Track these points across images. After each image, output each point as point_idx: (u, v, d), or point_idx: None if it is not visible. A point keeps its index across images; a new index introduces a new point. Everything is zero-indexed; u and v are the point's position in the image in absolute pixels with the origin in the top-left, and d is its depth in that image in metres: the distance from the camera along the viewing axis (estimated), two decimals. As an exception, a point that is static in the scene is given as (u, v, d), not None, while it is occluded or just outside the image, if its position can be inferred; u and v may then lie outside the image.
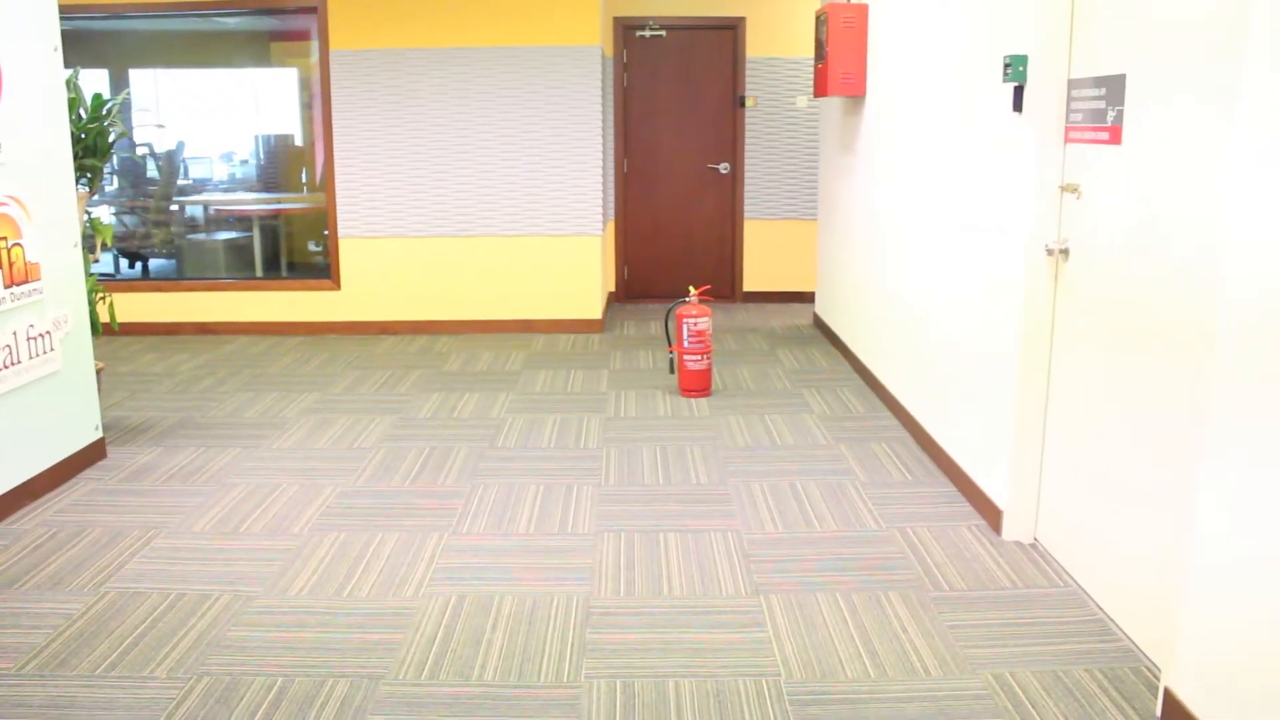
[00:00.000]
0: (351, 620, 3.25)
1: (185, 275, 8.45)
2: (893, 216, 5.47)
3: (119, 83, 10.67)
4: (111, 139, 4.93)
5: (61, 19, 8.02)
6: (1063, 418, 3.57)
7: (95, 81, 10.27)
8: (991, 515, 3.96)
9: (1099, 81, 3.27)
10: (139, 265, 8.77)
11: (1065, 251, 3.54)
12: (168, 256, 8.82)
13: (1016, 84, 3.65)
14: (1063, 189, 3.55)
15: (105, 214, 9.05)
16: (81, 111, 4.81)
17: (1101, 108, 3.26)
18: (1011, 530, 3.85)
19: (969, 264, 4.23)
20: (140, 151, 10.19)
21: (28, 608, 3.36)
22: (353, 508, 4.21)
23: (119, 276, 8.62)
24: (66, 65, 7.47)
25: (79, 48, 9.88)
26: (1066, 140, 3.53)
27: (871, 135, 5.96)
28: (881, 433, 5.16)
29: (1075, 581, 3.48)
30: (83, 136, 4.80)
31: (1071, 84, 3.49)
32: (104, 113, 4.86)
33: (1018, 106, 3.67)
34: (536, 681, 2.88)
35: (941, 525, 3.98)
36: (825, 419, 5.40)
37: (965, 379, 4.29)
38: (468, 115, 7.40)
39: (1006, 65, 3.63)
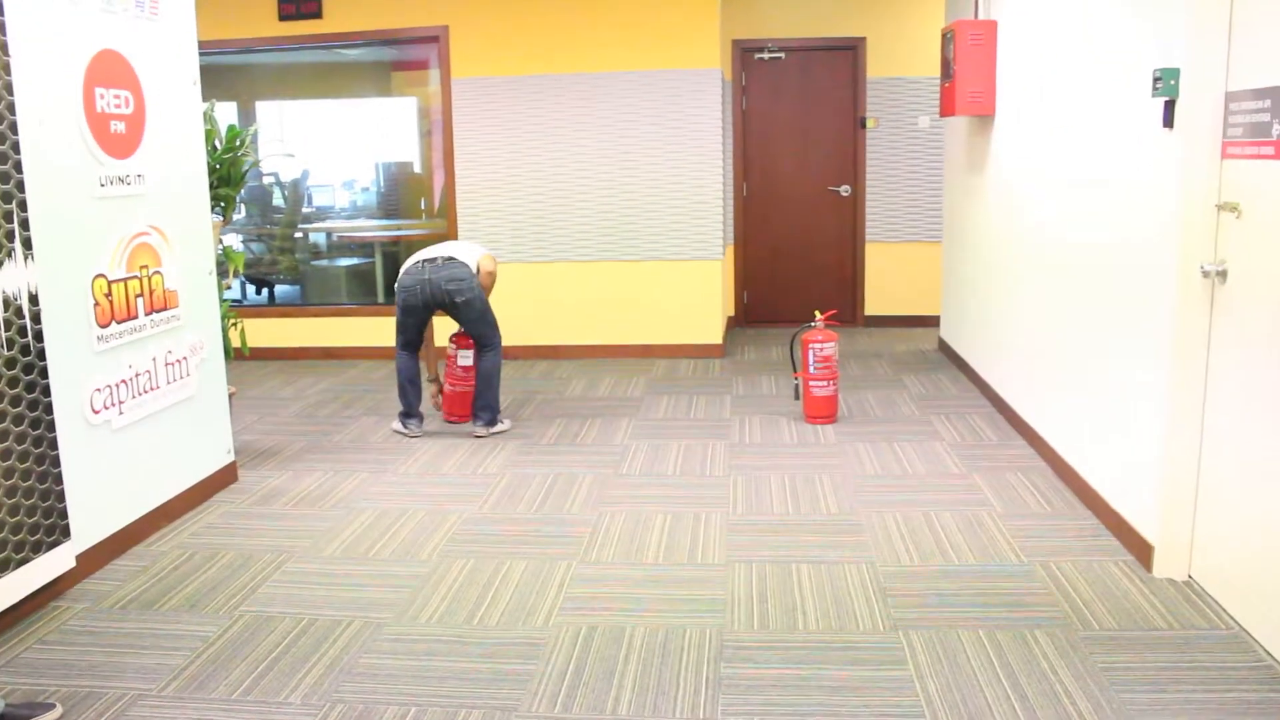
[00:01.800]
0: (482, 649, 3.22)
1: (309, 301, 8.65)
2: (1025, 238, 5.28)
3: (247, 114, 11.02)
4: (245, 169, 5.05)
5: (203, 53, 8.32)
6: (1221, 447, 3.37)
7: (225, 113, 10.61)
8: (1141, 550, 3.75)
9: (1262, 93, 3.09)
10: (265, 291, 9.02)
11: (1223, 273, 3.34)
12: (292, 283, 9.05)
13: (1167, 98, 3.47)
14: (1220, 208, 3.36)
15: (235, 242, 9.33)
16: (216, 143, 4.94)
17: (1266, 121, 3.07)
18: (1164, 566, 3.64)
19: (1112, 287, 4.04)
20: (267, 181, 10.49)
21: (167, 629, 3.42)
22: (480, 534, 4.20)
23: (246, 303, 8.87)
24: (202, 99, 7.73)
25: (208, 81, 10.22)
26: (1224, 156, 3.34)
27: (1001, 155, 5.78)
28: (1016, 461, 4.96)
29: (1237, 623, 3.26)
30: (217, 167, 4.93)
31: (1229, 97, 3.30)
32: (238, 144, 4.99)
33: (1168, 122, 3.49)
34: (672, 717, 2.80)
35: (1087, 560, 3.79)
36: (956, 447, 5.22)
37: (1109, 407, 4.09)
38: (588, 140, 7.43)
39: (1157, 79, 3.46)
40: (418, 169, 8.48)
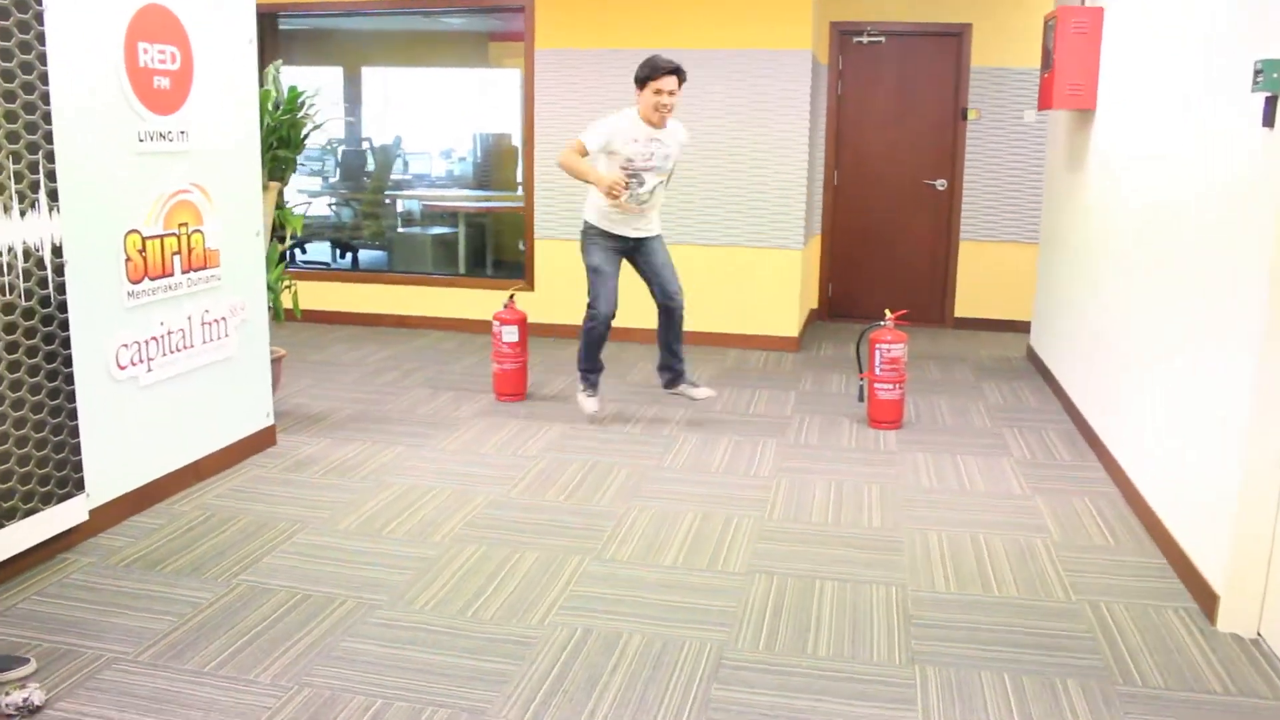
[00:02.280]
0: (468, 644, 3.07)
1: (393, 268, 8.63)
2: (1117, 245, 4.89)
3: (352, 79, 11.09)
4: (305, 132, 4.98)
5: (292, 16, 8.34)
6: (1300, 495, 3.01)
7: (330, 78, 10.69)
8: (1206, 599, 3.41)
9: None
10: (349, 256, 9.04)
11: (1318, 298, 2.98)
12: (378, 248, 9.05)
13: (1269, 93, 3.10)
14: (1320, 224, 2.99)
15: (322, 205, 9.37)
16: (275, 105, 4.88)
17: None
18: (1229, 620, 3.29)
19: (1197, 305, 3.67)
20: (348, 146, 10.53)
21: (163, 592, 3.36)
22: (499, 519, 4.06)
23: (333, 267, 8.91)
24: (294, 62, 7.72)
25: (308, 43, 10.30)
26: (1329, 167, 2.97)
27: (1099, 154, 5.38)
28: (1087, 486, 4.61)
29: (1303, 691, 2.92)
30: (276, 128, 4.86)
31: (1339, 100, 2.93)
32: (299, 105, 4.91)
33: (1269, 121, 3.12)
34: (646, 739, 2.61)
35: (1143, 604, 3.46)
36: (1024, 464, 4.89)
37: (1187, 434, 3.73)
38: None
39: (1257, 72, 3.09)
40: (515, 141, 8.36)
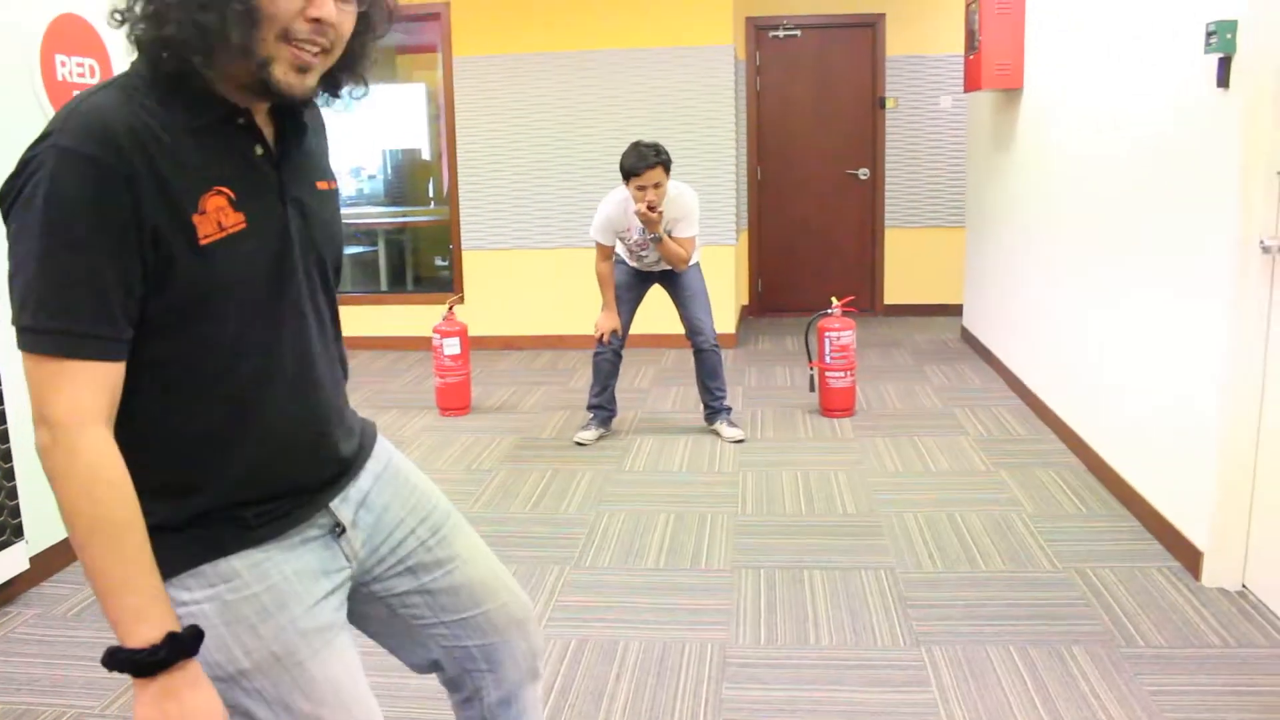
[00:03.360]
0: (460, 665, 2.92)
1: (312, 291, 8.37)
2: (1057, 216, 4.94)
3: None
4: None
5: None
6: (1284, 445, 3.04)
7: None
8: (1188, 557, 3.42)
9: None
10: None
11: (1284, 249, 3.01)
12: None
13: (1222, 54, 3.13)
14: (1281, 176, 3.02)
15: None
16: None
17: (1335, 77, 2.74)
18: (1215, 575, 3.31)
19: (1160, 266, 3.70)
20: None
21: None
22: (468, 535, 3.90)
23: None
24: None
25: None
26: (1286, 119, 3.00)
27: (1031, 130, 5.43)
28: (1047, 458, 4.62)
29: (1300, 638, 2.94)
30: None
31: (1292, 53, 2.96)
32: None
33: (1223, 81, 3.15)
34: (665, 746, 2.50)
35: (1128, 567, 3.46)
36: (982, 441, 4.89)
37: (1153, 398, 3.75)
38: (594, 121, 7.11)
39: (1210, 33, 3.12)
40: (426, 155, 8.19)
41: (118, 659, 1.26)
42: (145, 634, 1.25)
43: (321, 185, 1.51)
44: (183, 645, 1.28)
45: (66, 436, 1.25)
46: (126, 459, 1.29)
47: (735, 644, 3.01)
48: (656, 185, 4.59)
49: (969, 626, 3.07)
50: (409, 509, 1.64)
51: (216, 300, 1.34)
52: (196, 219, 1.30)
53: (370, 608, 1.62)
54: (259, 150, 1.39)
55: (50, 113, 3.56)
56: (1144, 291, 3.83)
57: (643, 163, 4.54)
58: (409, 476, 1.67)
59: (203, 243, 1.30)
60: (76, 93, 1.31)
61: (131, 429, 1.33)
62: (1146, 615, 3.11)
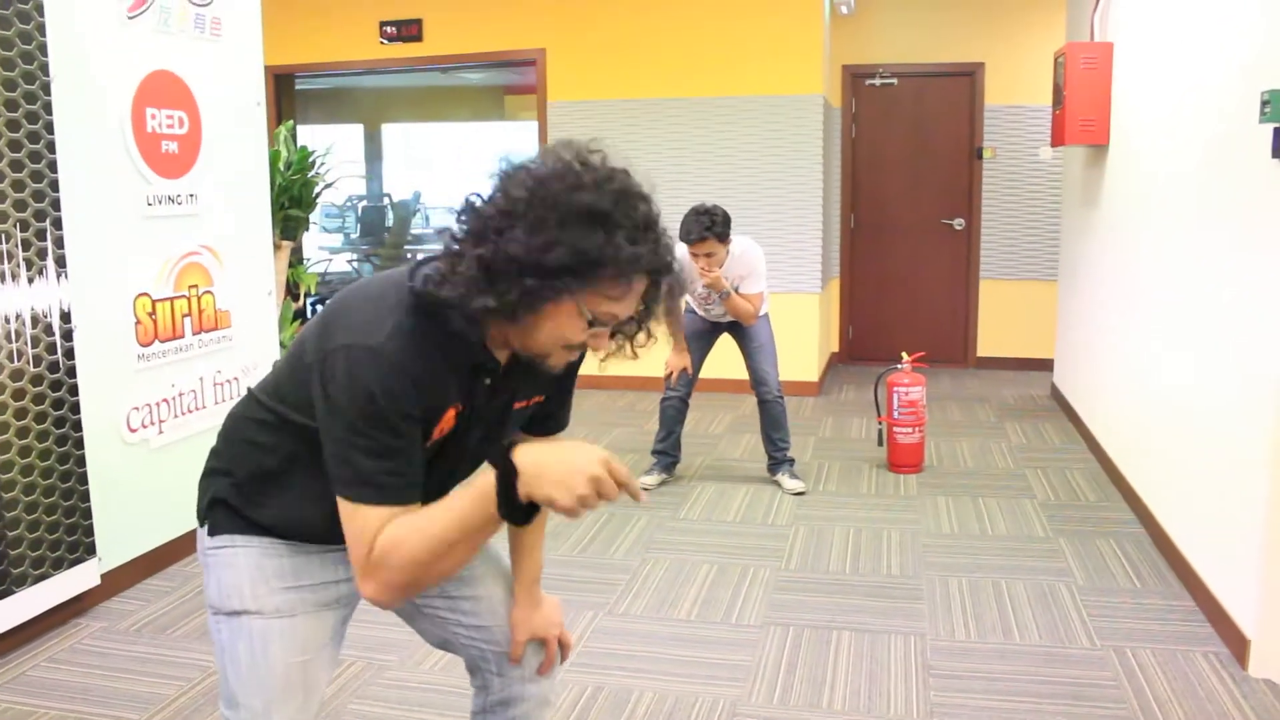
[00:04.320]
0: (476, 705, 3.02)
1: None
2: (1134, 279, 4.83)
3: (372, 136, 11.21)
4: (316, 191, 5.02)
5: (309, 76, 8.46)
6: (1326, 534, 2.93)
7: (351, 135, 10.79)
8: (1236, 643, 3.31)
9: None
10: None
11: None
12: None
13: (1276, 125, 3.06)
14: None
15: (342, 262, 9.45)
16: (285, 164, 4.92)
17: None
18: (1261, 665, 3.19)
19: (1222, 343, 3.60)
20: (368, 202, 10.58)
21: (172, 656, 3.34)
22: (512, 574, 4.01)
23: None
24: (312, 121, 7.82)
25: (327, 102, 10.42)
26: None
27: (1114, 189, 5.33)
28: (1112, 527, 4.51)
29: (1339, 738, 2.82)
30: (288, 188, 4.90)
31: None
32: (309, 164, 4.96)
33: (1278, 151, 3.08)
34: (654, 802, 2.55)
35: (1170, 649, 3.36)
36: (1048, 506, 4.79)
37: (1214, 473, 3.65)
38: (684, 166, 7.22)
39: (1265, 103, 3.05)
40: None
41: (523, 512, 1.46)
42: (496, 514, 1.46)
43: (518, 405, 1.77)
44: (505, 470, 1.45)
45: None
46: (265, 479, 1.72)
47: (747, 702, 3.03)
48: (709, 254, 4.64)
49: (987, 700, 3.03)
50: None
51: None
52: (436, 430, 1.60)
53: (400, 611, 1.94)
54: (488, 382, 1.64)
55: (140, 162, 3.82)
56: (1209, 364, 3.73)
57: (695, 233, 4.59)
58: None
59: (428, 442, 1.59)
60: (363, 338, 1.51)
61: (287, 478, 1.70)
62: (1179, 702, 3.03)
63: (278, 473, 1.71)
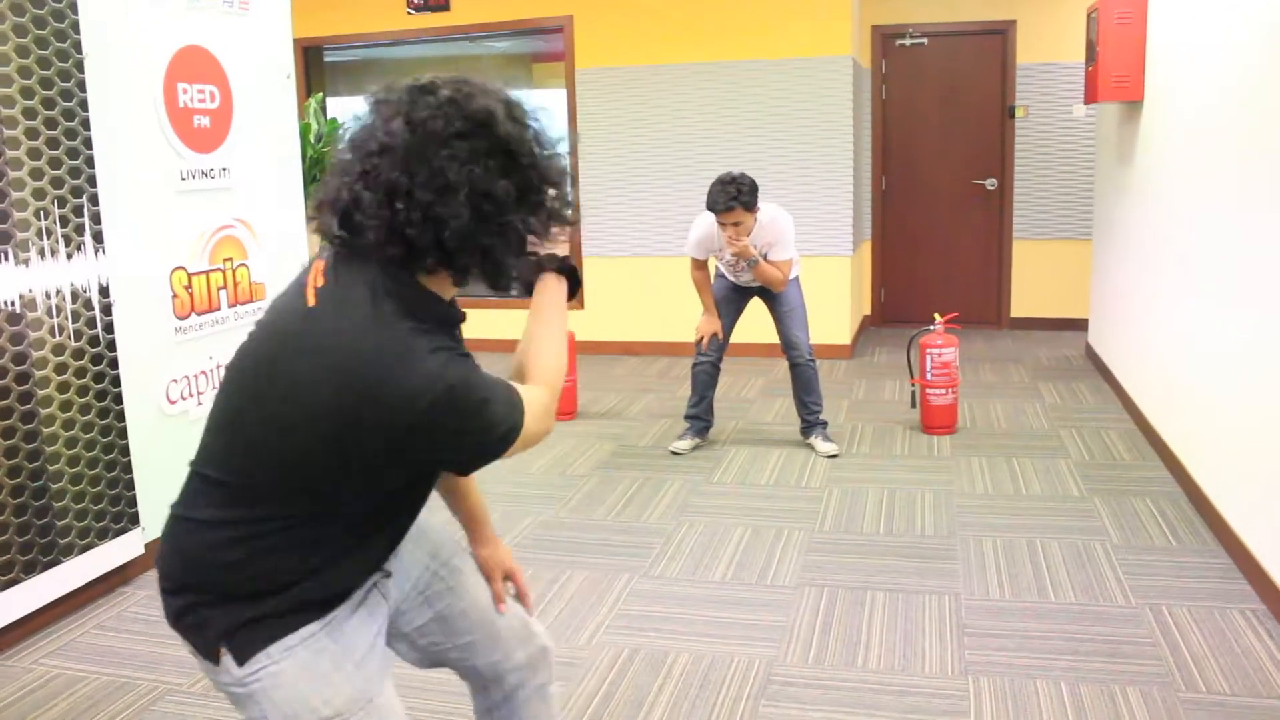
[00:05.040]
0: (514, 667, 3.06)
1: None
2: (1171, 237, 4.78)
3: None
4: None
5: (337, 48, 8.47)
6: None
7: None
8: (1273, 600, 3.30)
9: None
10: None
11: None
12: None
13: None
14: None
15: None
16: (316, 137, 4.95)
17: None
18: (1298, 619, 3.19)
19: (1264, 302, 3.56)
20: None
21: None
22: (547, 540, 4.05)
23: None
24: (342, 93, 7.84)
25: (349, 75, 10.43)
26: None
27: (1149, 146, 5.26)
28: (1148, 486, 4.49)
29: (1378, 693, 2.81)
30: (319, 161, 4.93)
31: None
32: (339, 136, 4.97)
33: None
34: (691, 759, 2.58)
35: (1207, 606, 3.36)
36: (1082, 466, 4.78)
37: (1252, 431, 3.62)
38: (713, 131, 7.19)
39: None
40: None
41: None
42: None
43: None
44: (564, 262, 1.91)
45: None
46: (278, 554, 1.56)
47: (782, 662, 3.06)
48: (736, 223, 4.64)
49: (1022, 659, 3.04)
50: (424, 548, 1.85)
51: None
52: None
53: (395, 644, 1.83)
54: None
55: (173, 136, 3.86)
56: (1247, 316, 3.69)
57: (722, 202, 4.60)
58: (424, 517, 1.84)
59: None
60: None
61: (307, 534, 1.56)
62: (1215, 659, 3.02)
63: (304, 555, 1.57)
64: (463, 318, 1.62)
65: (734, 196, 4.59)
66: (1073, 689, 2.87)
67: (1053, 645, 3.12)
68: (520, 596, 2.00)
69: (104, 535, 3.60)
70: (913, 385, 5.56)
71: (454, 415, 1.45)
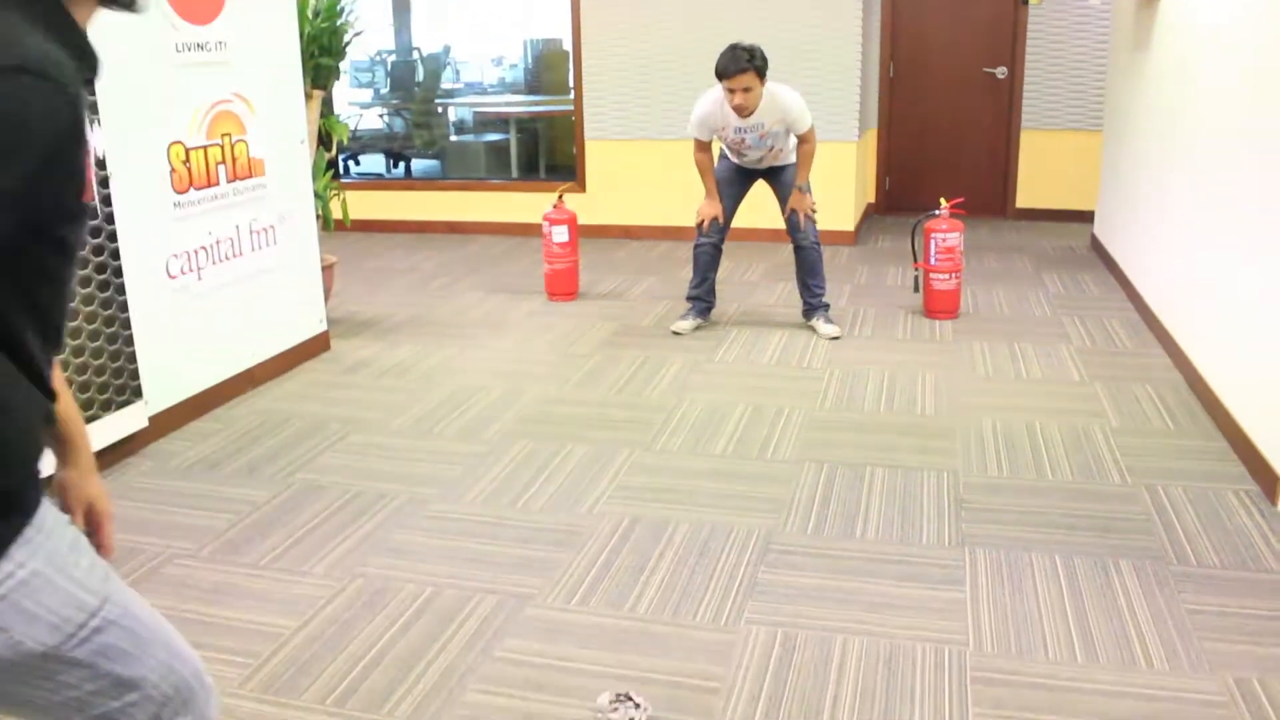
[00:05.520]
0: (517, 534, 3.11)
1: (447, 176, 8.61)
2: (1185, 131, 4.70)
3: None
4: (346, 39, 4.93)
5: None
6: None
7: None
8: (1267, 480, 3.33)
9: None
10: (402, 166, 9.03)
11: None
12: (431, 157, 9.02)
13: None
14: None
15: (373, 117, 9.35)
16: (314, 13, 4.83)
17: None
18: (1291, 498, 3.22)
19: (1268, 189, 3.52)
20: (397, 57, 10.38)
21: (221, 492, 3.44)
22: (550, 415, 4.08)
23: (386, 178, 8.91)
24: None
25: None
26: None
27: (1167, 34, 5.14)
28: (1148, 372, 4.50)
29: (1366, 568, 2.85)
30: (317, 36, 4.82)
31: None
32: (338, 12, 4.86)
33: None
34: (691, 621, 2.63)
35: (1201, 486, 3.39)
36: (1084, 352, 4.78)
37: (1257, 317, 3.61)
38: (720, 13, 7.02)
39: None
40: (567, 45, 8.22)
41: None
42: None
43: None
44: None
45: None
46: None
47: (781, 532, 3.10)
48: (746, 89, 4.59)
49: (1018, 532, 3.08)
50: None
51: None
52: None
53: None
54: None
55: (168, 8, 3.76)
56: (1254, 211, 3.65)
57: (734, 65, 4.55)
58: None
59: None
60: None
61: None
62: (1207, 535, 3.07)
63: None
64: (97, 65, 1.21)
65: (748, 59, 4.56)
66: (1066, 561, 2.91)
67: (1048, 520, 3.16)
68: (99, 544, 1.48)
69: (107, 408, 3.62)
70: (916, 270, 5.53)
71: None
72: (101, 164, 3.51)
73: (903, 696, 2.32)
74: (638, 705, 2.23)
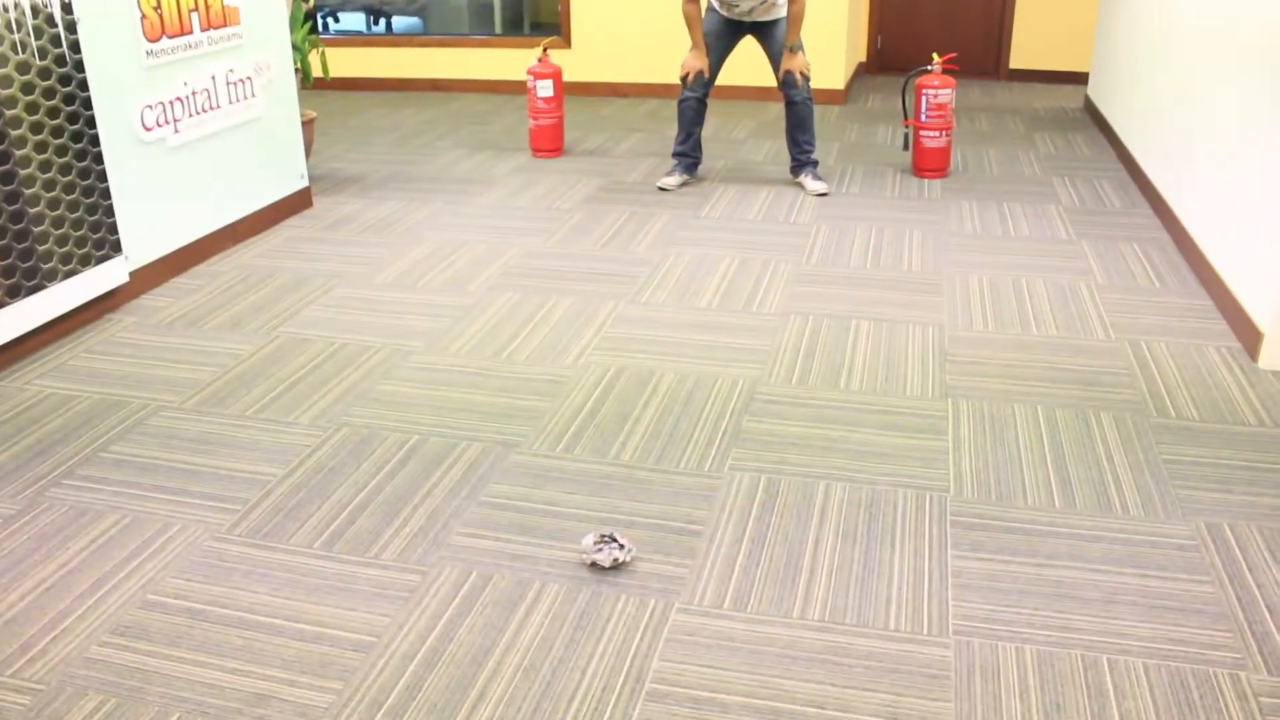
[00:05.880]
0: (501, 384, 3.11)
1: (428, 32, 8.36)
2: (1185, -27, 4.57)
3: None
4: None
5: None
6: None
7: None
8: (1249, 337, 3.34)
9: None
10: (383, 23, 8.76)
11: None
12: (412, 14, 8.74)
13: None
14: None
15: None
16: None
17: None
18: (1271, 358, 3.24)
19: (1265, 59, 3.44)
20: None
21: (205, 346, 3.42)
22: (535, 269, 4.05)
23: (367, 33, 8.64)
24: None
25: None
26: None
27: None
28: (1135, 231, 4.48)
29: (1342, 419, 2.89)
30: None
31: None
32: None
33: None
34: (675, 467, 2.66)
35: (1184, 343, 3.41)
36: (1072, 211, 4.75)
37: (1242, 177, 3.57)
38: None
39: None
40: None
41: None
42: None
43: None
44: None
45: None
46: None
47: (766, 382, 3.12)
48: None
49: (1002, 384, 3.10)
50: None
51: None
52: None
53: None
54: None
55: None
56: (1251, 73, 3.58)
57: None
58: None
59: None
60: None
61: None
62: (1188, 389, 3.09)
63: None
64: None
65: None
66: (1048, 413, 2.94)
67: (1032, 373, 3.18)
68: None
69: (87, 262, 3.56)
70: (906, 127, 5.44)
71: None
72: (67, 7, 3.38)
73: (883, 539, 2.36)
74: (622, 546, 2.26)
